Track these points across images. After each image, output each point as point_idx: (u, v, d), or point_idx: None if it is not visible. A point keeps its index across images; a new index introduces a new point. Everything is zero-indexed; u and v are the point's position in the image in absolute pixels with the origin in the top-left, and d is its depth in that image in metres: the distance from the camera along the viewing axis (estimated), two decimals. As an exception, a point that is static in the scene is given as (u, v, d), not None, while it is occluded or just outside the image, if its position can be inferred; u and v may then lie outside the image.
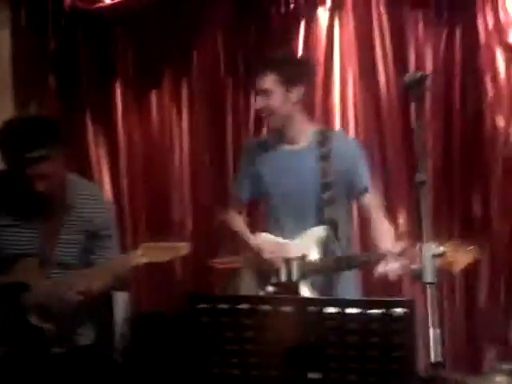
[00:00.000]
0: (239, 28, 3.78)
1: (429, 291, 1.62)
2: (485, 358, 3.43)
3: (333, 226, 2.59)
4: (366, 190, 2.71)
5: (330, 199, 2.59)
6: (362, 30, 3.66)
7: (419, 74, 2.03)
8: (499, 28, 3.54)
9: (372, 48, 3.64)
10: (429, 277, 1.63)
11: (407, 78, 2.05)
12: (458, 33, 3.59)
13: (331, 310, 1.57)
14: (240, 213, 2.86)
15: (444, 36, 3.60)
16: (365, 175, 2.73)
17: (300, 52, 3.70)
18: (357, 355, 1.58)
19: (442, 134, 3.61)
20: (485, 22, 3.55)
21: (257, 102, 2.69)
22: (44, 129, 2.40)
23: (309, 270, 2.54)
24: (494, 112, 3.54)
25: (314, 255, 2.57)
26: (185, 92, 3.88)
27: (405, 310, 1.54)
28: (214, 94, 3.83)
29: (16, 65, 3.88)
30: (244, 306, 1.61)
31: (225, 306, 1.61)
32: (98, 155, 4.01)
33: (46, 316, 2.43)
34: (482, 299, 3.55)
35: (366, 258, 2.64)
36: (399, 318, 1.53)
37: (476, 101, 3.58)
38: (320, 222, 2.59)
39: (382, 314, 1.53)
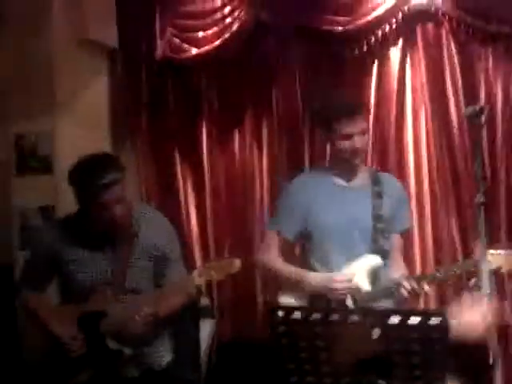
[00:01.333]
0: (316, 69, 4.01)
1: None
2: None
3: (384, 255, 2.74)
4: (403, 231, 2.90)
5: (383, 230, 2.73)
6: (433, 68, 3.83)
7: (478, 106, 2.26)
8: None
9: (443, 85, 3.80)
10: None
11: (467, 110, 2.27)
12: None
13: (394, 320, 1.73)
14: (280, 251, 2.84)
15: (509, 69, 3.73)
16: (407, 218, 2.94)
17: (373, 91, 3.91)
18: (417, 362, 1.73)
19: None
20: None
21: (356, 142, 2.72)
22: (109, 158, 2.69)
23: (365, 299, 2.67)
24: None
25: (365, 284, 2.68)
26: (265, 130, 4.14)
27: (440, 319, 1.70)
28: (293, 132, 4.06)
29: (113, 108, 4.26)
30: (316, 316, 1.80)
31: (299, 316, 1.80)
32: (186, 190, 4.30)
33: (123, 339, 2.62)
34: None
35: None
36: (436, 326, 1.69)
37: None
38: (372, 252, 2.72)
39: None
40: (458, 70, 3.80)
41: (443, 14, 3.74)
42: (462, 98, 3.79)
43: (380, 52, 3.89)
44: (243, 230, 4.14)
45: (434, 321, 1.73)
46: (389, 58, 3.90)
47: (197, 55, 4.12)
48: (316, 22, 3.87)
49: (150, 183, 4.28)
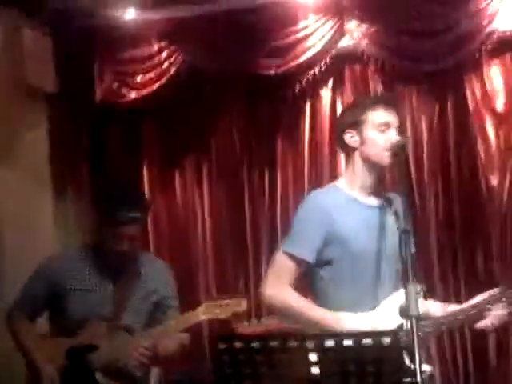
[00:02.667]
0: (252, 109, 4.19)
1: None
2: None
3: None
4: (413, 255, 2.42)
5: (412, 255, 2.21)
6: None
7: (400, 139, 2.28)
8: (486, 96, 3.92)
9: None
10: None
11: (390, 145, 2.28)
12: (449, 103, 3.97)
13: (329, 343, 1.83)
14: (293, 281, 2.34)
15: (437, 106, 3.98)
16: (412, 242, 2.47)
17: (307, 129, 4.10)
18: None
19: (441, 194, 3.93)
20: (473, 92, 3.92)
21: (394, 137, 2.32)
22: (141, 195, 2.80)
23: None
24: (487, 173, 3.86)
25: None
26: (205, 171, 4.27)
27: (391, 339, 1.81)
28: (231, 172, 4.21)
29: (53, 157, 4.24)
30: (256, 344, 1.89)
31: (241, 345, 1.89)
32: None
33: (114, 375, 2.65)
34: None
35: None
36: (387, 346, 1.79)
37: (470, 163, 3.92)
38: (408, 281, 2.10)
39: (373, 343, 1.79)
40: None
41: (369, 56, 3.97)
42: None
43: (312, 92, 4.10)
44: (186, 270, 4.18)
45: (386, 340, 1.78)
46: (320, 98, 4.11)
47: (136, 99, 4.22)
48: (250, 66, 4.04)
49: (90, 228, 4.29)
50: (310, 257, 2.31)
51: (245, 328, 3.69)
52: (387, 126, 2.34)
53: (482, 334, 3.68)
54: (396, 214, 2.30)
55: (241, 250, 4.13)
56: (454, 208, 3.91)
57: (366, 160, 2.36)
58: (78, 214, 4.23)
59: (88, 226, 4.13)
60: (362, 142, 2.36)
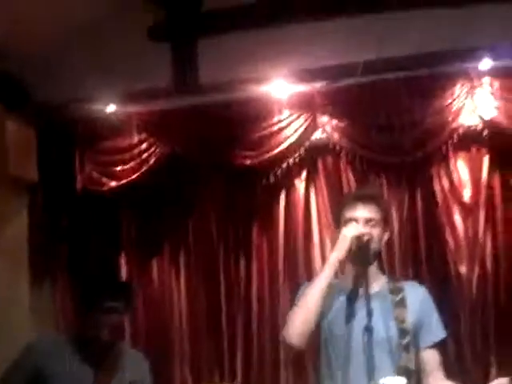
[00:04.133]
0: (229, 198, 4.31)
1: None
2: None
3: (408, 375, 2.33)
4: (437, 344, 2.51)
5: (408, 346, 2.38)
6: (335, 195, 4.19)
7: (365, 238, 2.42)
8: (454, 188, 4.07)
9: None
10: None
11: (357, 242, 2.41)
12: (418, 194, 4.12)
13: None
14: None
15: (406, 197, 4.12)
16: (440, 327, 2.54)
17: (283, 218, 4.22)
18: None
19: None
20: (441, 184, 4.08)
21: (359, 229, 2.46)
22: (124, 283, 2.85)
23: None
24: (456, 261, 3.98)
25: None
26: (182, 258, 4.35)
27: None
28: (208, 260, 4.30)
29: (32, 241, 4.32)
30: None
31: None
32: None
33: None
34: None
35: None
36: None
37: (440, 252, 4.04)
38: (395, 373, 2.31)
39: None
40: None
41: (340, 149, 4.14)
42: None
43: (286, 183, 4.24)
44: (161, 360, 4.19)
45: None
46: (295, 188, 4.25)
47: (115, 188, 4.33)
48: (227, 157, 4.19)
49: (68, 316, 4.31)
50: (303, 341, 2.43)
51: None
52: (354, 220, 2.50)
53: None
54: (401, 304, 2.41)
55: (216, 341, 4.16)
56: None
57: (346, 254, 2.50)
58: (55, 302, 4.26)
59: (66, 314, 4.22)
60: (342, 236, 2.51)
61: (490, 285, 3.98)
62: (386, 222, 2.57)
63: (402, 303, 2.39)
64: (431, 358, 2.48)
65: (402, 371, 2.33)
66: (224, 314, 4.22)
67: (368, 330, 2.27)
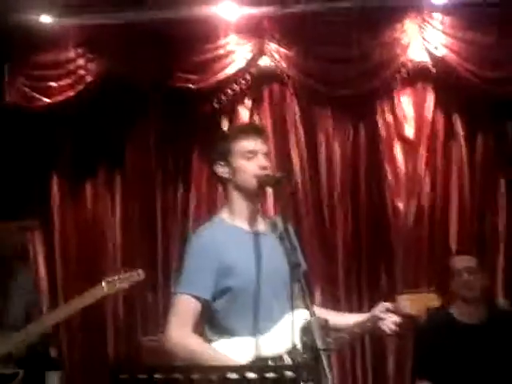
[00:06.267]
0: (168, 125, 4.15)
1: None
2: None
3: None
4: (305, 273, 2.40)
5: (299, 278, 2.22)
6: (279, 126, 4.11)
7: (278, 175, 2.35)
8: (397, 123, 4.06)
9: (287, 140, 4.09)
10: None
11: (265, 180, 2.32)
12: (362, 128, 4.10)
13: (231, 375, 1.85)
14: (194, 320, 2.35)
15: (350, 131, 4.10)
16: (302, 260, 2.48)
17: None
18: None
19: (350, 214, 4.05)
20: (385, 119, 4.06)
21: (259, 161, 2.36)
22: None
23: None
24: (394, 196, 4.01)
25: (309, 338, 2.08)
26: (118, 181, 4.20)
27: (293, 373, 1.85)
28: (146, 183, 4.16)
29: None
30: (160, 375, 1.88)
31: (143, 376, 1.87)
32: (33, 241, 4.21)
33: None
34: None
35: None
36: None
37: (379, 186, 4.06)
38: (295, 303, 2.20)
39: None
40: (300, 128, 4.10)
41: (288, 77, 4.03)
42: (304, 154, 4.08)
43: (230, 110, 4.11)
44: (95, 279, 4.10)
45: (289, 374, 1.84)
46: (238, 116, 4.13)
47: (49, 105, 4.10)
48: (169, 78, 4.01)
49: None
50: (207, 294, 2.35)
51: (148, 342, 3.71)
52: (253, 153, 2.39)
53: (380, 343, 3.90)
54: (282, 238, 2.29)
55: (151, 270, 4.05)
56: (362, 228, 4.04)
57: (239, 189, 2.41)
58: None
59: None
60: (233, 173, 2.41)
61: (425, 220, 4.04)
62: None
63: (283, 238, 2.28)
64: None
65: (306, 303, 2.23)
66: (159, 241, 4.12)
67: (296, 265, 2.18)
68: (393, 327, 2.50)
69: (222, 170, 2.43)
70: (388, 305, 2.51)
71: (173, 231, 4.11)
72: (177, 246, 4.06)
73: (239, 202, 2.42)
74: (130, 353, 3.98)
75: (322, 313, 2.48)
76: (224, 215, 2.46)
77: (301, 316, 2.20)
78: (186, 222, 4.10)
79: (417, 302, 2.55)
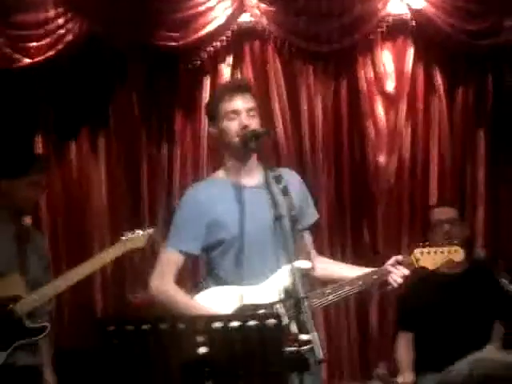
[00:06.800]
0: (151, 82, 4.14)
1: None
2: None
3: (307, 257, 2.44)
4: (312, 226, 2.62)
5: (298, 231, 2.40)
6: (261, 83, 4.11)
7: (257, 130, 2.39)
8: (378, 78, 4.09)
9: (268, 96, 4.10)
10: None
11: (245, 136, 2.37)
12: (343, 83, 4.13)
13: (217, 325, 1.92)
14: (176, 274, 2.49)
15: (332, 86, 4.12)
16: (313, 211, 2.65)
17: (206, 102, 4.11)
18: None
19: (333, 170, 4.10)
20: (366, 74, 4.09)
21: (239, 121, 2.41)
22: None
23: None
24: (375, 151, 4.06)
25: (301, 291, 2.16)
26: (102, 141, 4.20)
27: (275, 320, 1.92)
28: (130, 144, 4.17)
29: None
30: (147, 326, 1.94)
31: (130, 328, 1.94)
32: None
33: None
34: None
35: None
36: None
37: (360, 141, 4.11)
38: (292, 256, 2.25)
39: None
40: (282, 84, 4.12)
41: (269, 33, 4.03)
42: (286, 110, 4.11)
43: (212, 67, 4.11)
44: (81, 239, 4.17)
45: (270, 322, 1.93)
46: (220, 73, 4.13)
47: (29, 65, 4.07)
48: (150, 36, 3.99)
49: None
50: (195, 249, 2.49)
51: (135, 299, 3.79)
52: (236, 112, 2.43)
53: (363, 303, 4.00)
54: (285, 192, 2.34)
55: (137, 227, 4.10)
56: (344, 183, 4.10)
57: (226, 148, 2.50)
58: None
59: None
60: (220, 133, 2.49)
61: (406, 175, 4.11)
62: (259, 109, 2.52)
63: (285, 191, 2.35)
64: (307, 238, 2.59)
65: (303, 255, 2.38)
66: (145, 201, 4.14)
67: (277, 219, 2.27)
68: (399, 280, 2.47)
69: (212, 131, 2.55)
70: (400, 257, 2.51)
71: (158, 190, 4.13)
72: (162, 205, 4.09)
73: (230, 161, 2.50)
74: (117, 309, 4.04)
75: (328, 264, 2.65)
76: (219, 173, 2.56)
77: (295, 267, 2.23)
78: (171, 181, 4.12)
79: (433, 256, 2.53)
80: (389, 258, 2.55)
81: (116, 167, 4.19)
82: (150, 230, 3.16)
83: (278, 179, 2.38)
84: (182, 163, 4.15)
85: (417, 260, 2.53)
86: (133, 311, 3.76)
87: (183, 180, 4.11)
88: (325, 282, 2.56)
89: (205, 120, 4.08)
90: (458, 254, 2.56)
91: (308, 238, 2.61)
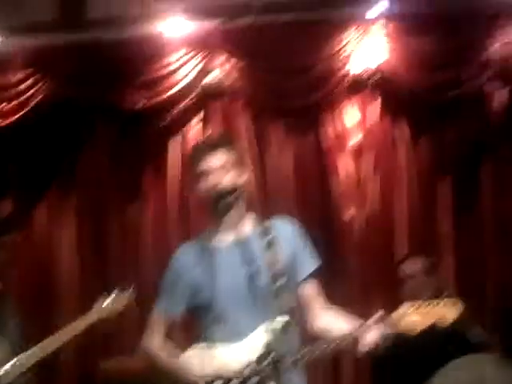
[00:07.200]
0: (119, 142, 4.17)
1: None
2: None
3: (291, 314, 2.32)
4: (314, 274, 2.49)
5: (283, 286, 2.31)
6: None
7: (227, 187, 2.34)
8: (343, 133, 4.18)
9: (241, 155, 4.07)
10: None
11: (213, 193, 2.36)
12: (308, 139, 4.19)
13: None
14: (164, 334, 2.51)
15: (299, 140, 4.19)
16: (312, 257, 2.50)
17: (179, 162, 4.14)
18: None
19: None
20: (329, 130, 4.17)
21: (208, 181, 2.38)
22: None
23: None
24: (342, 204, 4.12)
25: (280, 349, 2.21)
26: (70, 202, 4.20)
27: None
28: (98, 203, 4.18)
29: None
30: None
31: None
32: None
33: None
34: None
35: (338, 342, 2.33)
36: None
37: (328, 196, 4.16)
38: (278, 313, 2.26)
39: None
40: (253, 140, 4.17)
41: (237, 90, 4.11)
42: (256, 165, 4.15)
43: (182, 125, 4.16)
44: (49, 302, 4.12)
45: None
46: (189, 132, 4.18)
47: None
48: (119, 98, 4.03)
49: None
50: (177, 312, 2.51)
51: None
52: (206, 173, 2.42)
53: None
54: (271, 245, 2.33)
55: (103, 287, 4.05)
56: (311, 237, 4.08)
57: (206, 206, 2.47)
58: None
59: None
60: (199, 192, 2.47)
61: (374, 228, 4.14)
62: (241, 161, 2.48)
63: (272, 245, 2.32)
64: (310, 289, 2.48)
65: (280, 314, 2.27)
66: (114, 262, 4.12)
67: (251, 277, 2.30)
68: (375, 341, 2.24)
69: (195, 192, 2.50)
70: (381, 314, 2.26)
71: (127, 251, 4.12)
72: (132, 266, 4.07)
73: (212, 219, 2.48)
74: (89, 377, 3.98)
75: (334, 319, 2.44)
76: (205, 232, 2.53)
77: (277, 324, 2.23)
78: (140, 241, 4.12)
79: (422, 313, 2.20)
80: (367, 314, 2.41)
81: (84, 228, 4.17)
82: (125, 294, 3.12)
83: (266, 232, 2.37)
84: (150, 223, 4.15)
85: (401, 318, 2.24)
86: (104, 379, 3.71)
87: (152, 240, 4.11)
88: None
89: (172, 180, 4.13)
90: (452, 312, 2.22)
91: (311, 288, 2.47)
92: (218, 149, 2.45)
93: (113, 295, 3.09)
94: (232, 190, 2.39)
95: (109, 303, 3.05)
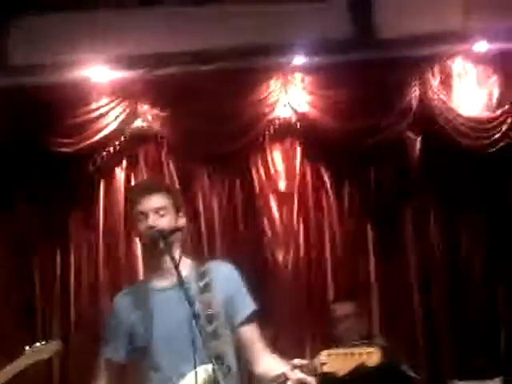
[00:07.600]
0: (47, 187, 4.09)
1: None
2: None
3: (221, 360, 2.31)
4: (249, 319, 2.45)
5: (216, 331, 2.34)
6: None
7: (164, 230, 2.33)
8: (270, 178, 4.26)
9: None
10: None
11: (149, 235, 2.36)
12: (237, 183, 4.25)
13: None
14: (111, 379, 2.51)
15: (226, 186, 4.24)
16: (248, 301, 2.47)
17: (102, 208, 4.11)
18: None
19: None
20: (258, 173, 4.25)
21: (146, 222, 2.37)
22: None
23: None
24: (272, 248, 4.17)
25: None
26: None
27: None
28: (22, 251, 4.06)
29: None
30: None
31: None
32: None
33: None
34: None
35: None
36: None
37: (258, 239, 4.20)
38: (207, 359, 2.24)
39: None
40: (177, 186, 4.16)
41: (162, 137, 4.14)
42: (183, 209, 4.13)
43: (106, 172, 4.14)
44: None
45: None
46: (115, 178, 4.16)
47: None
48: (44, 143, 3.98)
49: None
50: (119, 357, 2.51)
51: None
52: (144, 214, 2.42)
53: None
54: (206, 289, 2.36)
55: (29, 337, 3.89)
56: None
57: (143, 248, 2.54)
58: None
59: None
60: (136, 234, 2.52)
61: (303, 270, 4.20)
62: (177, 206, 2.49)
63: (207, 288, 2.35)
64: (248, 332, 2.45)
65: (214, 358, 2.25)
66: (39, 312, 4.00)
67: (188, 321, 2.26)
68: None
69: (135, 232, 2.54)
70: (298, 362, 2.22)
71: (52, 300, 4.01)
72: (58, 315, 3.97)
73: (149, 260, 2.52)
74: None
75: (273, 363, 2.39)
76: (144, 275, 2.64)
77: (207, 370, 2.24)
78: (65, 290, 4.02)
79: (343, 359, 2.17)
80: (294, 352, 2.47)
81: (8, 277, 4.02)
82: (54, 342, 3.15)
83: (202, 275, 2.38)
84: (76, 269, 4.06)
85: (322, 364, 2.20)
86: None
87: (78, 288, 4.01)
88: None
89: (100, 224, 4.08)
90: (372, 358, 2.18)
91: (249, 331, 2.44)
92: (156, 192, 2.46)
93: (40, 344, 3.09)
94: (169, 233, 2.38)
95: (36, 350, 3.04)
